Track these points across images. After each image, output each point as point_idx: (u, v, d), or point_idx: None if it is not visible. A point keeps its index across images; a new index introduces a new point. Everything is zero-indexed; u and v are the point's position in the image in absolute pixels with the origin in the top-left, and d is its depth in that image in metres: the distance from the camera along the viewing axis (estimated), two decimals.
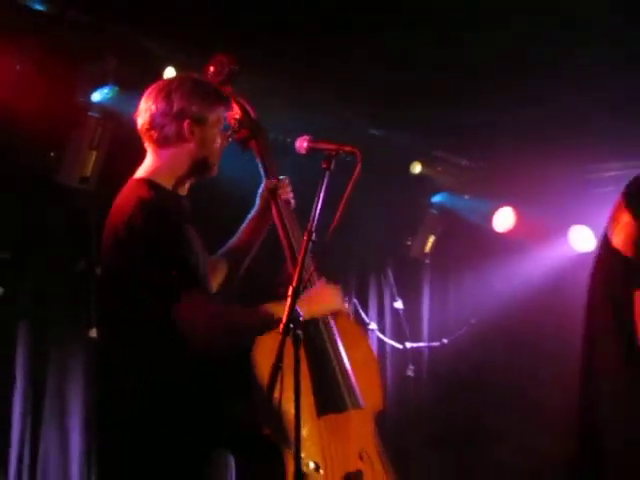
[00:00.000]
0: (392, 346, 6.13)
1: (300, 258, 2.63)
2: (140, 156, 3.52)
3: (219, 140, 3.08)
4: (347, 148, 2.75)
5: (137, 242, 2.82)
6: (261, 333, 2.94)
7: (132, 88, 4.18)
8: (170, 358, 2.84)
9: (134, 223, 2.82)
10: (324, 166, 2.72)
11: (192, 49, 4.28)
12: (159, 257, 2.82)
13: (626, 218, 2.36)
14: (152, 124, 3.02)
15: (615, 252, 2.39)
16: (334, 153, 2.73)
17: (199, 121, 2.98)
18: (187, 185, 3.09)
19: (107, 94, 4.27)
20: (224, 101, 3.13)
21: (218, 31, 4.12)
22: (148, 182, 2.95)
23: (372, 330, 5.92)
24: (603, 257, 2.47)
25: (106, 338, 3.15)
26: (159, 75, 4.16)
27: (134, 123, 3.71)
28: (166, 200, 2.94)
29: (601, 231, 2.51)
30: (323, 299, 3.26)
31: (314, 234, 2.63)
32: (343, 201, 2.66)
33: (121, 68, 4.22)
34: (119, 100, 4.29)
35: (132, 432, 2.87)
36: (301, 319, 2.55)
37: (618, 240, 2.38)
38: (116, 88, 4.27)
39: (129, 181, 3.01)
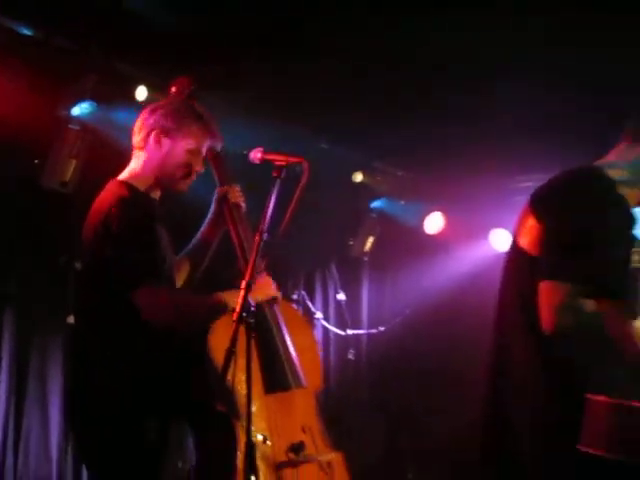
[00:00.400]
0: (335, 332, 6.20)
1: (252, 255, 2.66)
2: (113, 164, 3.55)
3: (188, 158, 3.02)
4: (295, 159, 2.75)
5: (112, 238, 2.82)
6: (213, 316, 2.96)
7: (108, 104, 4.29)
8: (137, 344, 2.86)
9: (111, 221, 2.83)
10: (275, 175, 2.71)
11: (161, 71, 4.26)
12: (130, 252, 2.82)
13: (531, 222, 2.33)
14: (135, 129, 3.04)
15: (522, 252, 2.37)
16: (284, 163, 2.73)
17: (167, 133, 2.97)
18: (158, 192, 3.08)
19: (86, 109, 4.28)
20: (202, 125, 3.04)
21: (184, 55, 4.12)
22: (126, 184, 2.96)
23: (318, 318, 6.02)
24: (512, 258, 2.46)
25: (81, 324, 3.17)
26: (132, 93, 4.25)
27: (109, 135, 3.76)
28: (140, 201, 2.95)
29: None
30: (261, 288, 3.20)
31: (265, 234, 2.67)
32: (292, 205, 2.71)
33: (98, 87, 4.23)
34: (96, 115, 4.31)
35: (102, 408, 2.88)
36: (252, 309, 2.59)
37: (525, 241, 2.35)
38: (94, 104, 4.28)
39: (110, 182, 3.01)
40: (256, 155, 2.83)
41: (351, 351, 6.21)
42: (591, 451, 1.95)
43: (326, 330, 6.21)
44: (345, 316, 6.26)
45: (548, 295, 2.13)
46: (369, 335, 6.41)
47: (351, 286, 6.51)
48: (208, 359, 3.05)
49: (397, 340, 6.46)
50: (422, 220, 6.40)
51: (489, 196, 6.27)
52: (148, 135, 3.00)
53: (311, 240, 5.90)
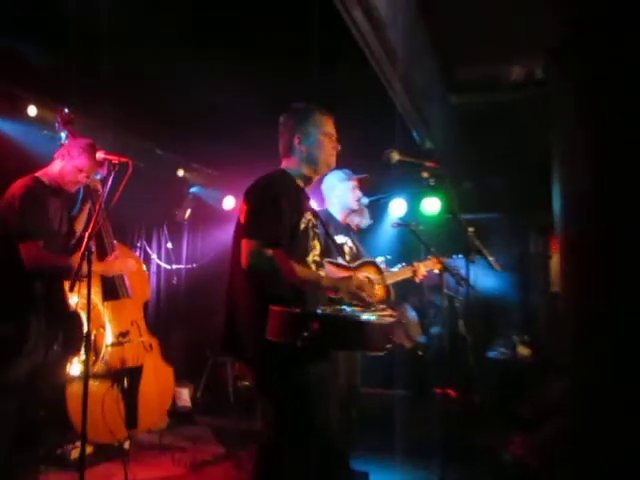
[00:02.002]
0: (165, 267, 6.23)
1: (94, 216, 2.71)
2: (11, 158, 3.41)
3: (75, 172, 3.03)
4: (124, 159, 2.74)
5: (16, 210, 2.87)
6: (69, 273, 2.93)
7: (7, 117, 4.04)
8: (16, 275, 2.87)
9: (16, 199, 2.88)
10: (111, 168, 2.72)
11: (49, 95, 4.10)
12: (24, 220, 2.86)
13: (244, 206, 2.32)
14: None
15: (241, 224, 2.30)
16: (117, 161, 2.74)
17: (69, 154, 3.03)
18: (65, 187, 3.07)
19: None
20: (91, 157, 3.01)
21: (60, 84, 3.91)
22: (34, 178, 3.00)
23: (153, 259, 6.05)
24: (237, 229, 2.38)
25: None
26: (25, 111, 4.04)
27: (9, 139, 3.63)
28: (39, 189, 2.97)
29: None
30: (120, 266, 3.38)
31: (103, 205, 2.72)
32: (121, 187, 2.72)
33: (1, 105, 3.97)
34: None
35: None
36: (93, 250, 2.64)
37: (242, 218, 2.31)
38: None
39: (28, 175, 3.01)
40: (100, 155, 2.86)
41: (175, 279, 6.29)
42: (271, 338, 2.02)
43: (159, 266, 6.21)
44: (171, 257, 6.28)
45: (244, 247, 2.15)
46: (186, 269, 6.47)
47: (176, 239, 6.49)
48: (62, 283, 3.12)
49: (203, 272, 6.49)
50: (221, 201, 6.44)
51: None
52: (59, 152, 3.07)
53: (151, 210, 5.85)
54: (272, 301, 2.07)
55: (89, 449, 3.69)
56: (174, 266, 6.22)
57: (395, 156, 2.68)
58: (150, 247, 6.06)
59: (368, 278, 3.04)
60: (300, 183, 2.44)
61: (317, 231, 2.48)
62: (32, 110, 4.04)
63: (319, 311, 2.06)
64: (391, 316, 2.18)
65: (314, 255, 2.42)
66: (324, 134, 2.42)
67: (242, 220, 2.30)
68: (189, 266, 6.40)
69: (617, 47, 1.31)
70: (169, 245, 6.25)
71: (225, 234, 6.54)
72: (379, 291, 3.41)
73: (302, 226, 2.34)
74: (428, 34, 3.75)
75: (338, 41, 3.25)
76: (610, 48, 1.33)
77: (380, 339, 1.99)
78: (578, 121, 1.41)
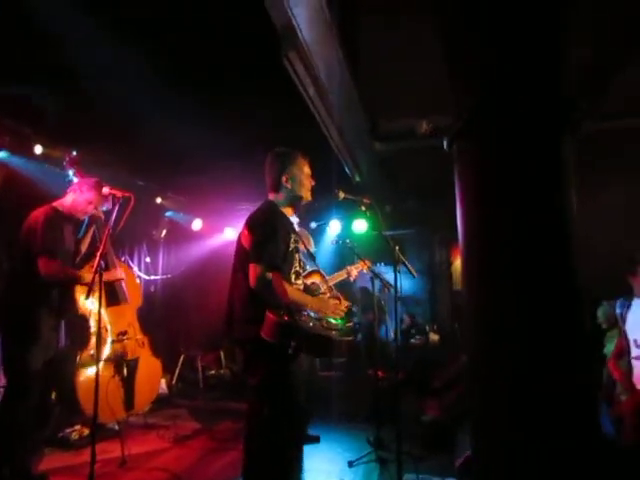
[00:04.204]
0: (144, 278, 6.13)
1: (104, 239, 2.74)
2: (18, 187, 3.29)
3: (86, 204, 3.02)
4: (126, 193, 2.79)
5: (37, 232, 2.85)
6: (75, 282, 3.00)
7: (16, 153, 3.95)
8: (35, 283, 2.85)
9: (37, 224, 2.87)
10: (115, 200, 2.75)
11: (52, 137, 4.05)
12: (42, 240, 2.84)
13: (246, 231, 2.30)
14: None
15: (242, 246, 2.32)
16: (120, 195, 2.78)
17: (80, 189, 3.03)
18: (74, 213, 3.04)
19: (3, 155, 3.88)
20: (99, 193, 3.00)
21: (66, 128, 3.89)
22: (52, 207, 2.98)
23: (136, 270, 5.95)
24: (237, 248, 2.37)
25: (11, 270, 3.03)
26: (32, 149, 3.96)
27: (16, 171, 3.53)
28: (56, 217, 2.95)
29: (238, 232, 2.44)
30: (116, 274, 3.38)
31: (110, 230, 2.75)
32: (125, 216, 2.79)
33: (11, 142, 3.87)
34: (9, 159, 3.92)
35: (14, 308, 2.83)
36: (103, 267, 2.68)
37: (243, 240, 2.31)
38: (8, 152, 3.88)
39: (46, 204, 2.97)
40: (105, 190, 2.87)
41: (153, 287, 6.23)
42: (264, 336, 2.08)
43: (139, 277, 6.08)
44: (149, 269, 6.23)
45: (252, 271, 2.16)
46: (162, 279, 6.43)
47: (153, 254, 6.43)
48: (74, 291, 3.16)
49: (177, 282, 6.50)
50: (191, 223, 6.41)
51: (225, 210, 6.39)
52: (72, 188, 3.06)
53: (135, 232, 5.80)
54: (268, 308, 2.13)
55: (86, 431, 3.64)
56: (152, 277, 6.19)
57: (341, 194, 2.84)
58: (132, 260, 5.98)
59: (338, 298, 3.16)
60: (286, 212, 2.46)
61: (299, 247, 2.51)
62: (38, 149, 3.97)
63: (303, 327, 2.14)
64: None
65: (295, 267, 2.45)
66: (304, 175, 2.44)
67: (244, 242, 2.31)
68: (164, 276, 6.37)
69: (498, 133, 1.60)
70: (147, 259, 6.20)
71: (194, 250, 6.65)
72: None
73: (290, 247, 2.38)
74: (358, 96, 4.00)
75: (291, 101, 3.43)
76: (494, 133, 1.61)
77: (342, 350, 2.14)
78: (465, 172, 1.69)
